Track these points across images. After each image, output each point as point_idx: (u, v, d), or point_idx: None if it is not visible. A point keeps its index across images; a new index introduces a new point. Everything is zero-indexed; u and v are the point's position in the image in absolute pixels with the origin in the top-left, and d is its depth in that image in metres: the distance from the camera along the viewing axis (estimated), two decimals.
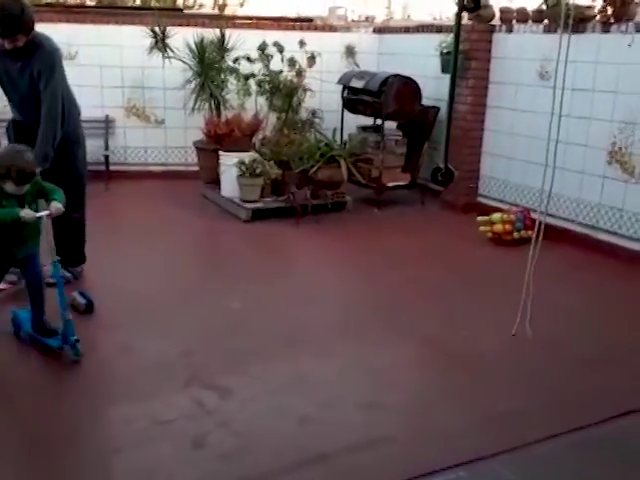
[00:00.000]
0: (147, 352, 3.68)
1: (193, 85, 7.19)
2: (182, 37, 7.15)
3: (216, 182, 6.83)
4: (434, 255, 5.59)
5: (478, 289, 4.84)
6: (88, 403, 3.21)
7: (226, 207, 6.63)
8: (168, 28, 7.13)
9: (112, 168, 7.53)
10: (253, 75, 7.26)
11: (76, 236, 4.64)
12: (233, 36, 7.31)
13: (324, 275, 5.09)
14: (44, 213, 3.48)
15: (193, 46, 7.18)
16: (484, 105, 6.73)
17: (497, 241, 5.79)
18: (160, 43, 7.11)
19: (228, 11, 21.64)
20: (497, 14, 6.63)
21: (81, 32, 7.38)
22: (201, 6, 25.21)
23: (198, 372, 3.48)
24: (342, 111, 7.41)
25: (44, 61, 4.12)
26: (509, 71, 6.45)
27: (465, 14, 6.31)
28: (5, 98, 4.43)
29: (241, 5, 24.39)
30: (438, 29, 7.23)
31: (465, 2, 5.98)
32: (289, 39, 7.39)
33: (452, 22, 6.32)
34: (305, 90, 7.32)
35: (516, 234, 5.74)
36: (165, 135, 7.92)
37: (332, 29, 8.67)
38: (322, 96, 7.62)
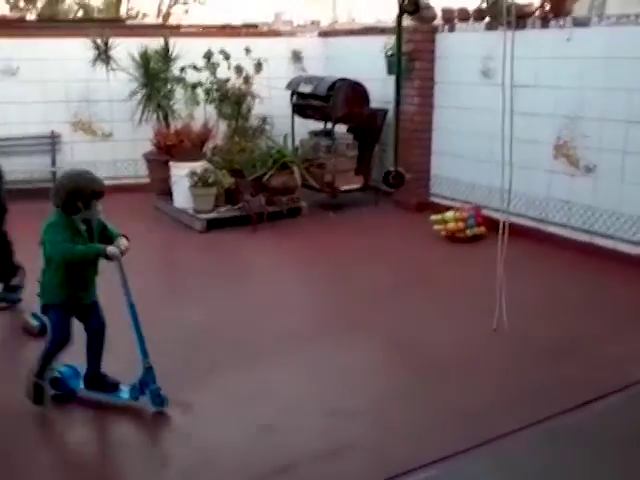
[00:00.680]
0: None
1: (139, 96, 7.10)
2: (126, 48, 7.05)
3: (168, 194, 6.75)
4: (391, 255, 5.63)
5: (437, 287, 4.89)
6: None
7: (180, 218, 6.56)
8: (111, 39, 7.03)
9: None
10: (200, 84, 7.21)
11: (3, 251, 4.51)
12: (178, 45, 7.25)
13: (283, 281, 5.08)
14: (120, 249, 3.13)
15: (137, 57, 7.09)
16: (431, 105, 6.81)
17: (451, 239, 5.86)
18: (103, 55, 7.01)
19: (172, 20, 21.47)
20: (439, 14, 6.72)
21: (22, 47, 7.22)
22: (145, 16, 24.92)
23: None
24: (292, 116, 7.41)
25: None
26: (453, 70, 6.55)
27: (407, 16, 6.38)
28: None
29: (186, 13, 24.19)
30: (382, 31, 7.29)
31: (405, 5, 6.06)
32: (235, 46, 7.36)
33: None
34: (254, 97, 7.30)
35: (469, 231, 5.82)
36: (113, 148, 7.79)
37: (278, 34, 8.67)
38: (271, 102, 7.61)
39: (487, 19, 6.18)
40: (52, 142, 7.41)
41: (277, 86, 7.51)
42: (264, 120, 7.44)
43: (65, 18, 19.77)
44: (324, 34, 8.68)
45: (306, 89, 7.09)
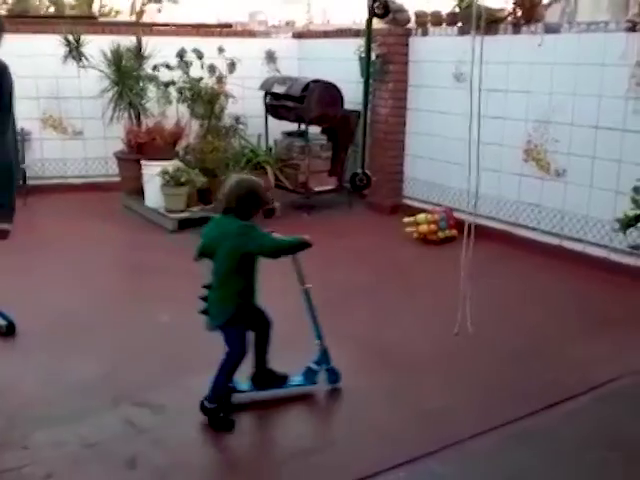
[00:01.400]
0: (73, 373, 3.55)
1: (111, 94, 7.02)
2: (97, 45, 6.96)
3: (139, 193, 6.69)
4: (364, 257, 5.64)
5: (408, 289, 4.91)
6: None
7: (151, 218, 6.50)
8: (83, 36, 6.94)
9: (30, 182, 7.25)
10: (173, 82, 7.15)
11: None
12: (151, 43, 7.19)
13: None
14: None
15: (109, 54, 7.01)
16: (404, 108, 6.85)
17: (423, 241, 5.90)
18: (75, 52, 6.92)
19: (146, 18, 21.33)
20: (412, 18, 6.77)
21: None
22: (117, 13, 24.70)
23: (128, 390, 3.38)
24: (266, 117, 7.39)
25: None
26: (426, 74, 6.60)
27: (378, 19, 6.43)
28: None
29: (159, 11, 24.03)
30: (356, 33, 7.31)
31: (375, 9, 6.11)
32: (208, 45, 7.31)
33: None
34: (227, 96, 7.26)
35: (441, 233, 5.87)
36: (84, 146, 7.69)
37: (252, 35, 8.64)
38: (245, 102, 7.58)
39: (459, 24, 6.24)
40: (22, 139, 7.27)
41: (251, 86, 7.49)
42: (237, 120, 7.41)
43: (37, 14, 19.50)
44: (298, 35, 8.68)
45: (280, 90, 7.07)
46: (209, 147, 6.81)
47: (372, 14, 6.21)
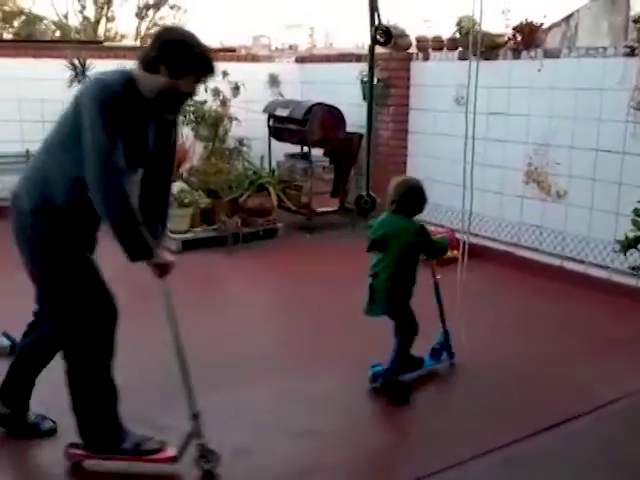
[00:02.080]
0: None
1: None
2: (103, 69, 7.04)
3: None
4: (365, 278, 5.64)
5: None
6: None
7: None
8: (88, 60, 7.04)
9: None
10: None
11: None
12: None
13: (257, 305, 5.08)
14: None
15: None
16: (406, 131, 6.92)
17: (426, 262, 5.90)
18: (80, 76, 7.01)
19: None
20: (414, 43, 6.86)
21: None
22: (123, 37, 24.98)
23: (134, 410, 3.39)
24: (269, 139, 7.46)
25: None
26: (427, 97, 6.67)
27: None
28: None
29: None
30: (358, 58, 7.41)
31: (378, 37, 6.20)
32: None
33: None
34: (231, 119, 7.34)
35: None
36: None
37: (255, 59, 8.75)
38: (248, 124, 7.65)
39: (460, 49, 6.32)
40: (27, 161, 7.35)
41: (254, 109, 7.57)
42: (241, 142, 7.48)
43: (42, 38, 19.76)
44: (301, 60, 8.78)
45: (283, 113, 7.16)
46: (213, 169, 6.86)
47: (375, 42, 6.30)
